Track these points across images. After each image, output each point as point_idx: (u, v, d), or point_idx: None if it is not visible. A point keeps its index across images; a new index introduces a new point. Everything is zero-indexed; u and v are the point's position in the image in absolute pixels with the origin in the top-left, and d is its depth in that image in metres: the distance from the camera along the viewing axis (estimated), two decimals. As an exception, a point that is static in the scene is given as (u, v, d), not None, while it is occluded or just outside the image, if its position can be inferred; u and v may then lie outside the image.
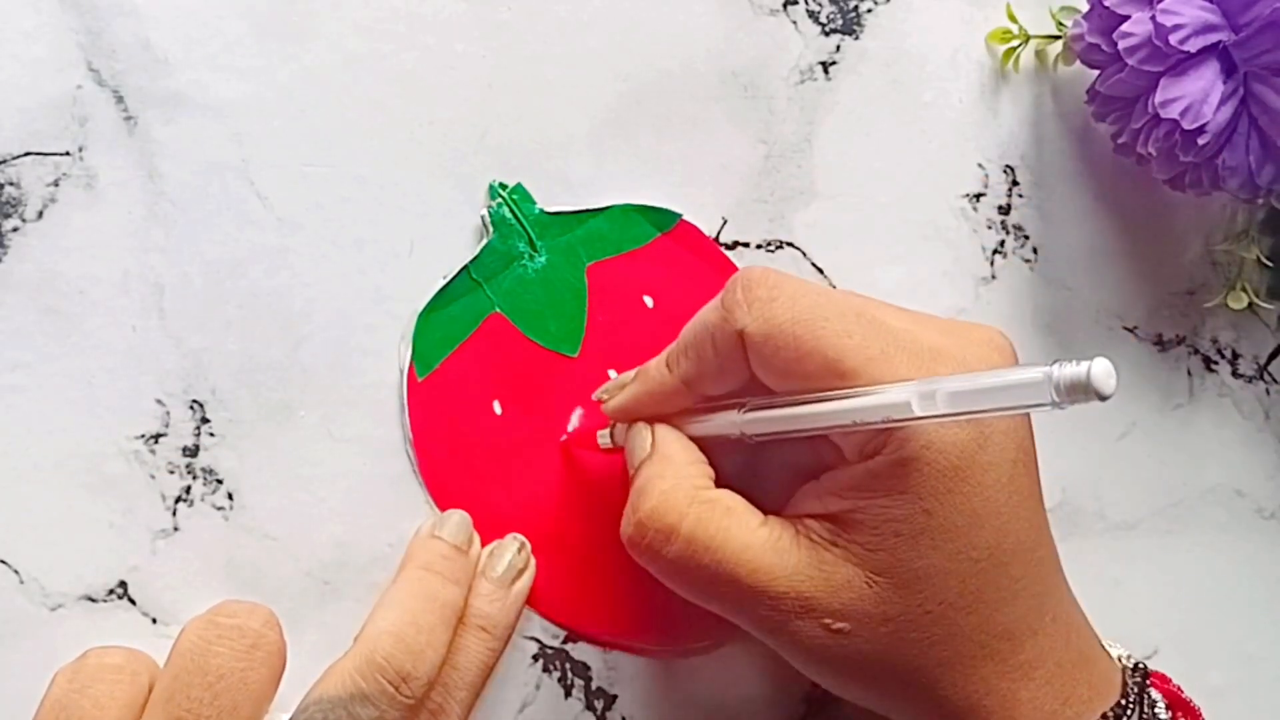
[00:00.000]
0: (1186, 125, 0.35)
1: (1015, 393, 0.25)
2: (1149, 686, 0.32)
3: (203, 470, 0.34)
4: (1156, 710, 0.31)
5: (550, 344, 0.36)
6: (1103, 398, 0.23)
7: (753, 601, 0.30)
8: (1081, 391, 0.23)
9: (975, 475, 0.29)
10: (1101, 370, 0.23)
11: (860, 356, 0.29)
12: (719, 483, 0.32)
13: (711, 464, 0.32)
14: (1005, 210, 0.40)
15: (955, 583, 0.29)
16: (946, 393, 0.26)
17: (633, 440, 0.33)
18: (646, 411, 0.33)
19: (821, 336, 0.29)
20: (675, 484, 0.31)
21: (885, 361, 0.29)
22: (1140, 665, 0.33)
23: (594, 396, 0.35)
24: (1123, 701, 0.31)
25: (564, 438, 0.36)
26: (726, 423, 0.32)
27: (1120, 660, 0.33)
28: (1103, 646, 0.33)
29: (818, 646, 0.30)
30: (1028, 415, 0.31)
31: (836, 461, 0.31)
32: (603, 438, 0.35)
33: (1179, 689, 0.32)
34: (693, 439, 0.33)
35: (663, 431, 0.33)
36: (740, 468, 0.33)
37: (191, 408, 0.34)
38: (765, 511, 0.31)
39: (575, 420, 0.37)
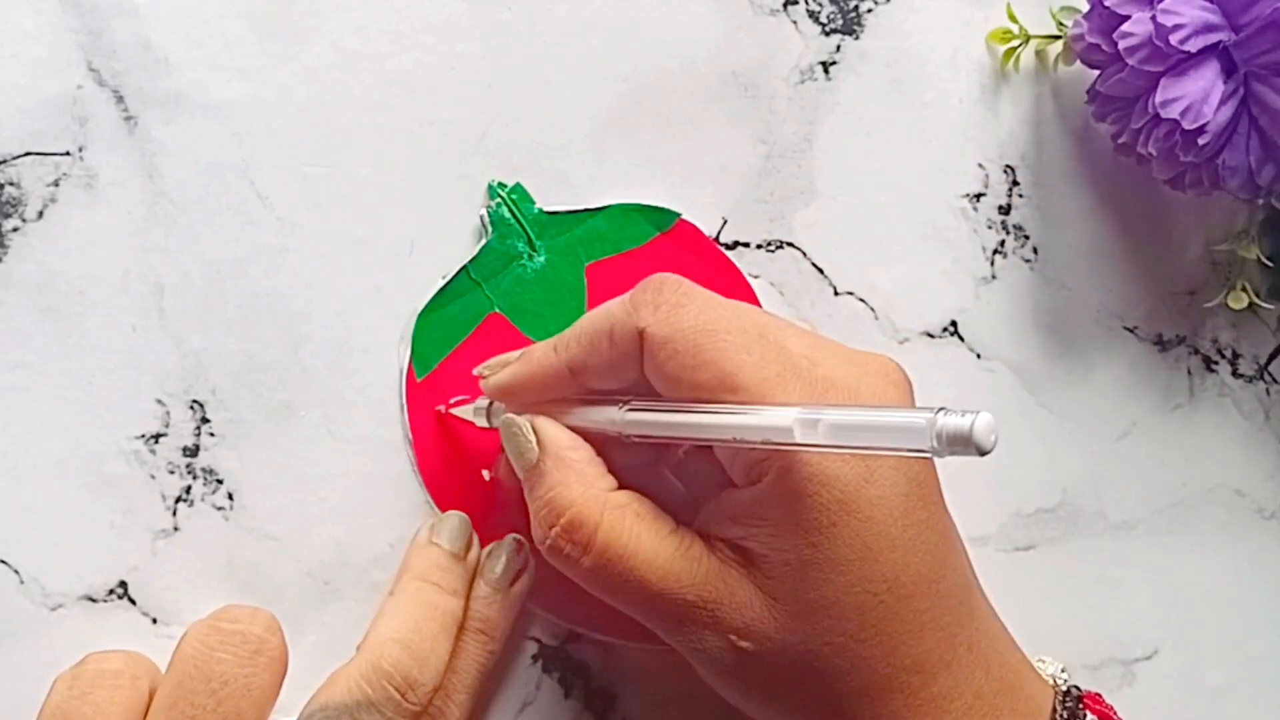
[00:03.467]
0: (1187, 125, 0.35)
1: (896, 434, 0.24)
2: (1083, 710, 0.31)
3: (203, 470, 0.34)
4: None
5: (550, 344, 0.36)
6: (982, 453, 0.23)
7: (663, 608, 0.29)
8: (961, 444, 0.23)
9: (863, 509, 0.28)
10: (984, 425, 0.23)
11: (755, 375, 0.28)
12: (623, 482, 0.31)
13: (614, 461, 0.31)
14: (1005, 210, 0.40)
15: (855, 615, 0.29)
16: (829, 424, 0.25)
17: (514, 435, 0.31)
18: (525, 393, 0.32)
19: (722, 349, 0.29)
20: (584, 492, 0.30)
21: (779, 384, 0.28)
22: (1072, 689, 0.32)
23: (475, 371, 0.34)
24: None
25: (442, 408, 0.36)
26: (606, 419, 0.31)
27: (1054, 680, 0.33)
28: (1034, 669, 0.32)
29: (726, 661, 0.29)
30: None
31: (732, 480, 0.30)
32: (479, 414, 0.34)
33: (1112, 709, 0.32)
34: (574, 430, 0.32)
35: (547, 427, 0.31)
36: (645, 470, 0.32)
37: (191, 408, 0.34)
38: (675, 516, 0.31)
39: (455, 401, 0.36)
